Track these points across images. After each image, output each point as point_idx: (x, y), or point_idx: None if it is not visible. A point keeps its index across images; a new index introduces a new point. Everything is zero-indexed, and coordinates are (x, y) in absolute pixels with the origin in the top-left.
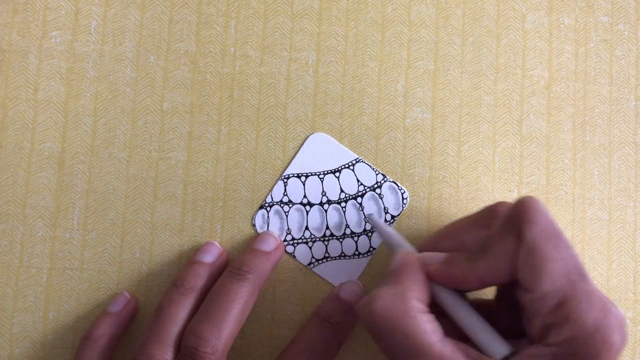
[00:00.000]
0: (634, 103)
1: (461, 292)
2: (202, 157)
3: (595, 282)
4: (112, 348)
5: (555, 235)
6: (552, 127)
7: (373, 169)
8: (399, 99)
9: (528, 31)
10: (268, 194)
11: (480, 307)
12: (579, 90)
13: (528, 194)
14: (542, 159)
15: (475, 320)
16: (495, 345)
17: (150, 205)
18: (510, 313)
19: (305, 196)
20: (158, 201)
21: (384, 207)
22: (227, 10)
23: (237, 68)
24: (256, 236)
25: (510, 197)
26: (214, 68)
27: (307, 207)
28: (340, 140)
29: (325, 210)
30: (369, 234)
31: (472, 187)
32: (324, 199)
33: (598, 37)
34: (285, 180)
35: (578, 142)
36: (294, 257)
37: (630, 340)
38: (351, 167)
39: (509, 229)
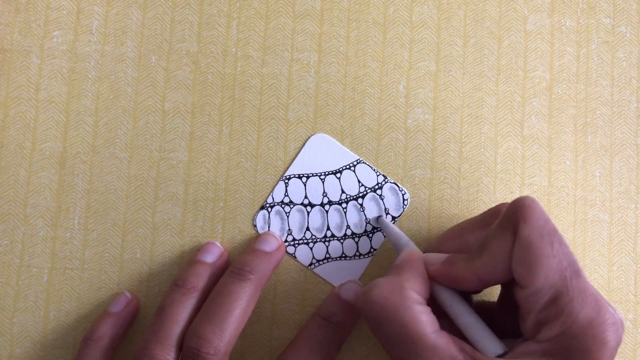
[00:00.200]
0: (635, 105)
1: (465, 294)
2: (203, 157)
3: (595, 283)
4: (114, 348)
5: (550, 233)
6: (554, 128)
7: (374, 170)
8: (401, 100)
9: (530, 33)
10: (269, 194)
11: (484, 310)
12: (580, 92)
13: (529, 195)
14: (543, 160)
15: (471, 319)
16: (490, 343)
17: (151, 206)
18: (510, 314)
19: (306, 197)
20: (159, 201)
21: (385, 208)
22: (229, 10)
23: (239, 68)
24: (257, 236)
25: (512, 198)
26: (215, 68)
27: (308, 208)
28: (342, 141)
29: (326, 211)
30: (370, 235)
31: (474, 189)
32: (325, 200)
33: (600, 39)
34: (286, 180)
35: (579, 143)
36: (295, 257)
37: (631, 343)
38: (352, 168)
39: (505, 227)
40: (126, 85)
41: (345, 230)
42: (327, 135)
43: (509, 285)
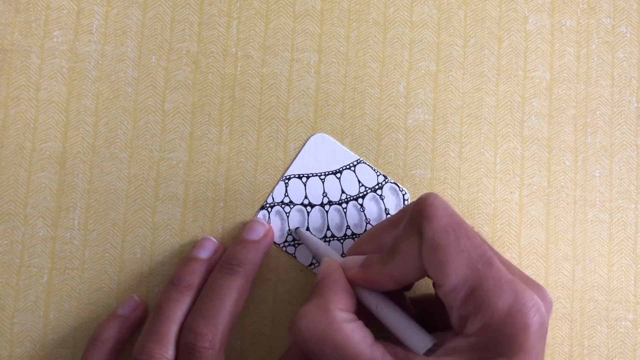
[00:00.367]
0: (635, 105)
1: (399, 292)
2: (203, 157)
3: (595, 283)
4: (120, 351)
5: (456, 228)
6: (554, 128)
7: (374, 170)
8: (401, 100)
9: (530, 33)
10: (269, 194)
11: (423, 302)
12: (580, 92)
13: (529, 196)
14: (543, 160)
15: (397, 318)
16: (418, 339)
17: (151, 206)
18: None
19: (306, 197)
20: (159, 201)
21: (385, 208)
22: (229, 10)
23: (239, 68)
24: (244, 225)
25: (512, 198)
26: (215, 68)
27: (308, 208)
28: (342, 141)
29: (326, 211)
30: None
31: (473, 189)
32: (325, 200)
33: (600, 39)
34: (286, 180)
35: (579, 144)
36: (295, 257)
37: (631, 343)
38: (352, 168)
39: (410, 228)
40: (126, 85)
41: (345, 230)
42: (327, 135)
43: None
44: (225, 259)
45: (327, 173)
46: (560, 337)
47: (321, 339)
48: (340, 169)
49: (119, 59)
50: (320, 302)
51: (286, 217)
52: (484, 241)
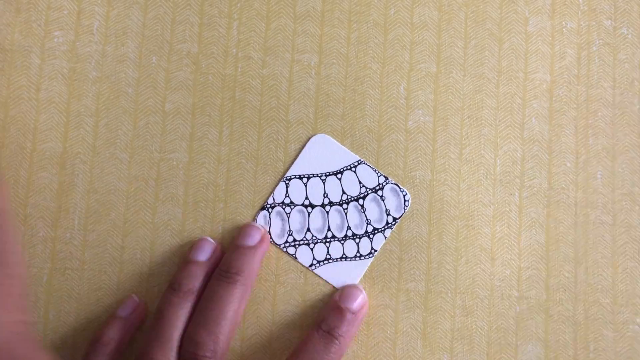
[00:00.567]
0: (637, 107)
1: None
2: (203, 158)
3: (599, 286)
4: (121, 352)
5: None
6: (554, 130)
7: (375, 171)
8: (401, 102)
9: (530, 34)
10: (270, 195)
11: None
12: (581, 94)
13: (529, 197)
14: (543, 162)
15: None
16: None
17: (151, 206)
18: None
19: (307, 197)
20: (159, 202)
21: (386, 209)
22: (230, 11)
23: (239, 69)
24: (240, 230)
25: (512, 200)
26: (216, 69)
27: (309, 209)
28: (342, 142)
29: (327, 212)
30: (371, 236)
31: (474, 190)
32: (326, 201)
33: (601, 41)
34: (287, 181)
35: (580, 145)
36: (296, 258)
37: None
38: (353, 169)
39: None
40: (127, 85)
41: (346, 231)
42: (328, 136)
43: None
44: (223, 267)
45: (327, 174)
46: (563, 340)
47: None
48: (341, 170)
49: (119, 59)
50: None
51: (287, 218)
52: None
